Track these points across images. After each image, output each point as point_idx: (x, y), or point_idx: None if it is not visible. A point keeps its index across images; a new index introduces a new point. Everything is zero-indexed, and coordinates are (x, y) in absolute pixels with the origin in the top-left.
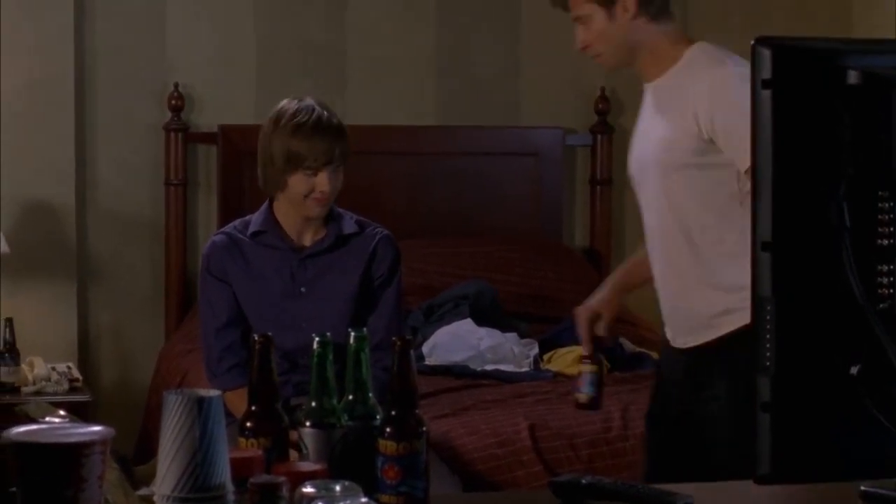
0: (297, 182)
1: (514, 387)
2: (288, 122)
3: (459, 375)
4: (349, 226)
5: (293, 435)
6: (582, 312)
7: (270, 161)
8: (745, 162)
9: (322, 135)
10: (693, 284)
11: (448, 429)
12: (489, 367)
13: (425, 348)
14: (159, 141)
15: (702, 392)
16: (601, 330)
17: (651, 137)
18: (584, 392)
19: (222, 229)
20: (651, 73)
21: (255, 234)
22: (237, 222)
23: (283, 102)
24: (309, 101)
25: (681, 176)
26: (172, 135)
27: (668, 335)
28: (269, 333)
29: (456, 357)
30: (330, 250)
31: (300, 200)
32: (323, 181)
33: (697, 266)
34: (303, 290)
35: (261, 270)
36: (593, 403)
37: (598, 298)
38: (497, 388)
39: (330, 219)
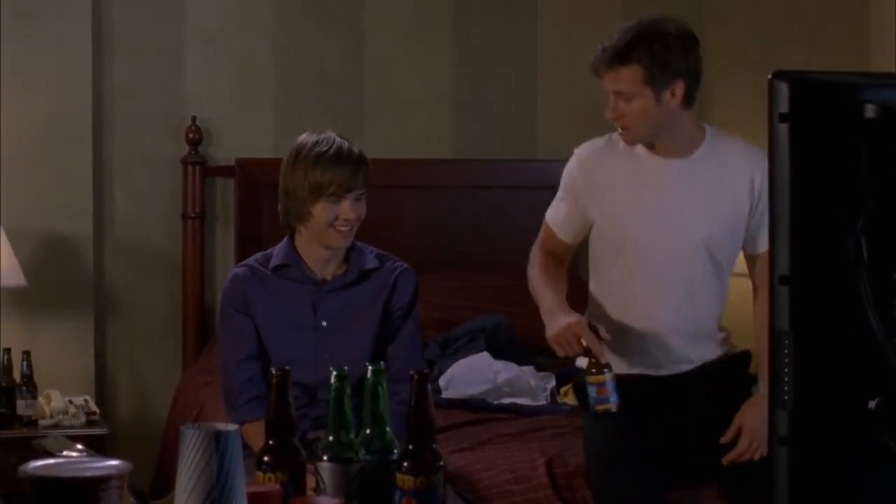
0: (321, 211)
1: (531, 421)
2: (309, 153)
3: (476, 409)
4: (370, 260)
5: (310, 469)
6: (575, 326)
7: (293, 192)
8: (765, 244)
9: (344, 163)
10: (711, 322)
11: (465, 463)
12: (506, 401)
13: (442, 381)
14: (177, 174)
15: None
16: (605, 334)
17: (690, 207)
18: (613, 401)
19: (244, 262)
20: (675, 151)
21: (277, 268)
22: (258, 255)
23: (303, 136)
24: (329, 133)
25: (718, 241)
26: (190, 168)
27: (651, 370)
28: (287, 367)
29: (473, 390)
30: (351, 284)
31: (324, 230)
32: (346, 209)
33: (717, 306)
34: (324, 323)
35: (283, 303)
36: (618, 410)
37: (573, 316)
38: (514, 422)
39: (351, 253)
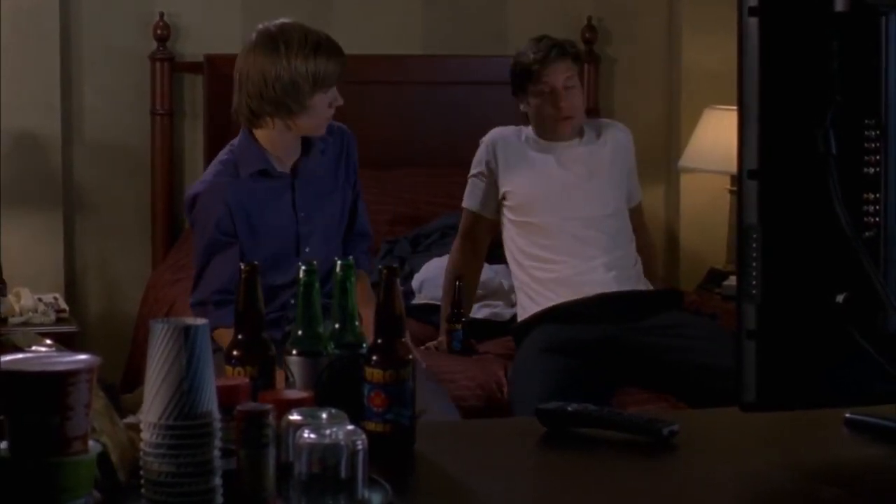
0: (321, 101)
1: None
2: (304, 43)
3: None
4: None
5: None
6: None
7: (292, 87)
8: (637, 196)
9: (339, 49)
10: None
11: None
12: (482, 313)
13: (414, 283)
14: (145, 71)
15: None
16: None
17: (597, 180)
18: (456, 347)
19: (208, 179)
20: (565, 137)
21: (253, 174)
22: (218, 167)
23: (263, 27)
24: (286, 20)
25: (621, 206)
26: (158, 64)
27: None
28: (256, 262)
29: None
30: (315, 164)
31: (321, 120)
32: (337, 94)
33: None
34: (302, 214)
35: (264, 208)
36: (465, 352)
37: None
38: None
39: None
